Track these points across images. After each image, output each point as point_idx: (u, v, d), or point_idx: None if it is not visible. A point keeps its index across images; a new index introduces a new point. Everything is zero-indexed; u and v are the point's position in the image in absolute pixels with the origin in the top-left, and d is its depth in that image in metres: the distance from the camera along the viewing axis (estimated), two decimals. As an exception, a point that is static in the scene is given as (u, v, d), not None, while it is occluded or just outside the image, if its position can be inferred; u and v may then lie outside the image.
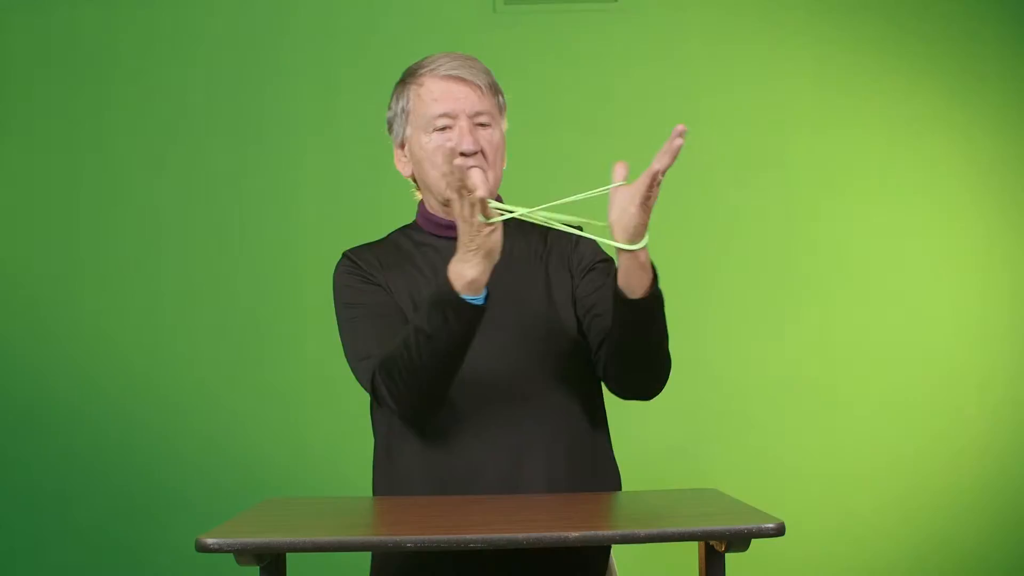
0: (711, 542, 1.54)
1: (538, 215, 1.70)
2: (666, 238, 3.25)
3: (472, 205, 1.62)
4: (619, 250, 1.65)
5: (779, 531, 1.43)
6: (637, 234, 1.63)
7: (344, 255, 1.96)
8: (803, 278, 3.28)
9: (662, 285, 1.70)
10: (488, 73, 1.92)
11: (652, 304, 1.70)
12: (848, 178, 3.30)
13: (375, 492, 1.93)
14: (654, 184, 1.60)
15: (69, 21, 3.30)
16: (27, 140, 3.30)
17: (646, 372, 1.81)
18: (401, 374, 1.75)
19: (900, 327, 3.27)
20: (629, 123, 3.31)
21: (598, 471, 1.90)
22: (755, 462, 3.22)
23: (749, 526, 1.43)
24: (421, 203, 1.98)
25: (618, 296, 1.69)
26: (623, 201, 1.63)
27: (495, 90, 1.92)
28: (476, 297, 1.69)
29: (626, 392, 1.86)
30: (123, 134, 3.30)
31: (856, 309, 3.27)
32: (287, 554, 1.53)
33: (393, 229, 2.04)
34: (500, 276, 1.83)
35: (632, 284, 1.67)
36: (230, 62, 3.32)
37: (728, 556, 1.55)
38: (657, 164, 1.60)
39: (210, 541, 1.39)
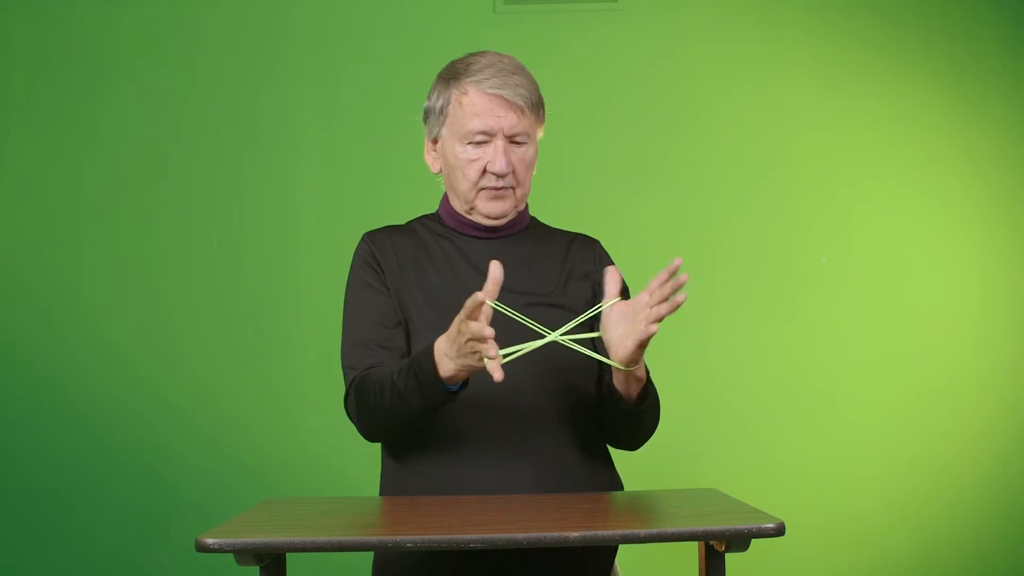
0: (711, 542, 1.54)
1: (559, 340, 1.71)
2: (666, 238, 3.27)
3: (479, 358, 1.61)
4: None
5: (779, 531, 1.43)
6: (635, 362, 1.71)
7: (364, 238, 1.98)
8: (803, 278, 3.28)
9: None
10: (532, 88, 1.91)
11: (646, 407, 1.79)
12: (848, 178, 3.30)
13: (382, 493, 1.93)
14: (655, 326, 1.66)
15: (69, 21, 3.30)
16: (27, 140, 3.30)
17: (632, 441, 1.93)
18: (369, 409, 1.81)
19: (900, 327, 3.27)
20: (629, 123, 3.31)
21: (599, 477, 1.90)
22: (755, 462, 3.22)
23: (749, 526, 1.43)
24: (445, 196, 2.00)
25: (613, 396, 1.79)
26: (622, 330, 1.69)
27: (537, 106, 1.92)
28: (451, 385, 1.70)
29: (611, 444, 1.96)
30: (123, 134, 3.30)
31: (856, 309, 3.27)
32: (287, 554, 1.53)
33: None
34: (519, 277, 1.90)
35: (628, 389, 1.76)
36: (230, 62, 3.32)
37: (728, 556, 1.55)
38: (658, 313, 1.66)
39: (210, 541, 1.39)
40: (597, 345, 1.77)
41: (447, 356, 1.65)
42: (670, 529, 1.44)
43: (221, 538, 1.39)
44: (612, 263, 1.98)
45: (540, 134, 1.97)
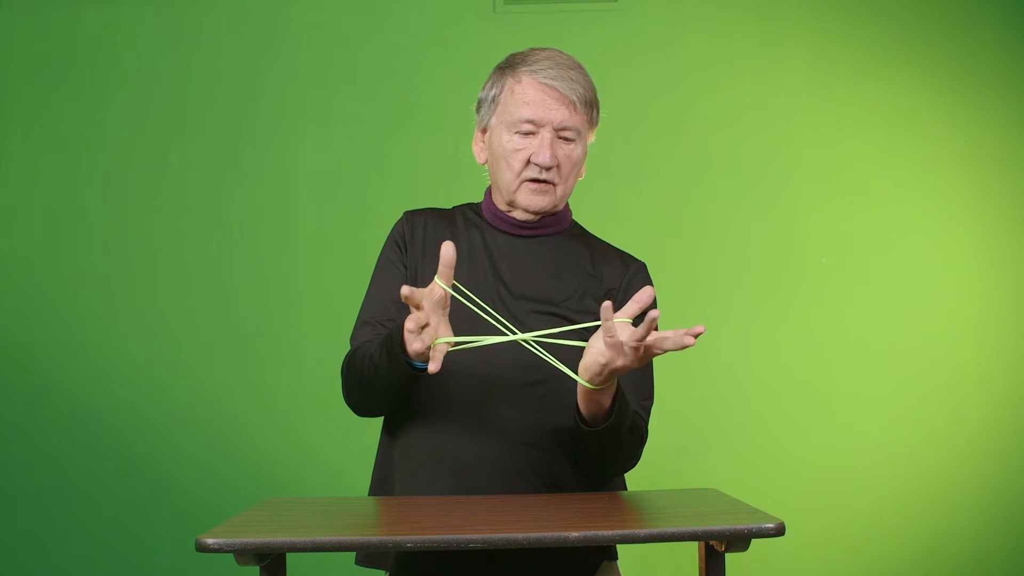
0: (711, 542, 1.54)
1: (521, 341, 1.68)
2: (665, 237, 3.27)
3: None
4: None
5: (779, 531, 1.43)
6: (599, 379, 1.64)
7: (403, 216, 1.97)
8: (802, 278, 3.28)
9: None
10: (588, 86, 1.89)
11: (602, 434, 1.72)
12: (848, 177, 3.31)
13: (373, 476, 1.93)
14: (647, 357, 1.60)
15: (69, 21, 3.30)
16: (27, 139, 3.30)
17: (588, 463, 1.85)
18: (353, 378, 1.83)
19: (900, 327, 3.27)
20: (629, 123, 3.31)
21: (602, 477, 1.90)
22: (755, 462, 3.22)
23: (749, 526, 1.43)
24: (489, 188, 1.98)
25: (578, 419, 1.73)
26: (611, 350, 1.60)
27: (590, 106, 1.89)
28: (419, 362, 1.69)
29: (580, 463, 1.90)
30: (123, 134, 3.30)
31: (856, 309, 3.27)
32: (287, 554, 1.53)
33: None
34: (533, 282, 1.89)
35: (588, 407, 1.71)
36: (230, 61, 3.32)
37: (728, 556, 1.55)
38: (659, 347, 1.59)
39: (210, 541, 1.39)
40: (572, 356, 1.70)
41: (408, 333, 1.65)
42: (670, 529, 1.44)
43: (221, 538, 1.39)
44: (640, 282, 1.93)
45: (591, 138, 1.94)
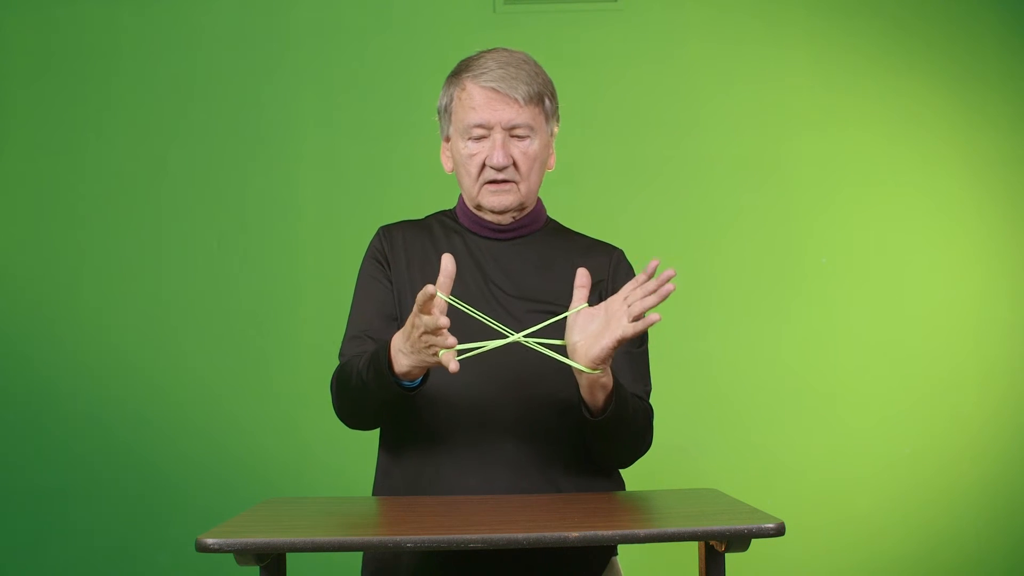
0: (711, 542, 1.54)
1: (522, 340, 1.69)
2: (665, 238, 3.27)
3: (434, 353, 1.60)
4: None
5: (779, 531, 1.43)
6: (603, 363, 1.66)
7: (378, 232, 1.99)
8: (802, 278, 3.28)
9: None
10: (535, 81, 1.89)
11: (613, 418, 1.73)
12: (847, 178, 3.31)
13: (375, 490, 1.93)
14: (639, 329, 1.62)
15: (69, 21, 3.30)
16: (28, 140, 3.30)
17: (610, 457, 1.88)
18: (344, 393, 1.83)
19: (900, 327, 3.27)
20: (629, 123, 3.31)
21: (602, 475, 1.90)
22: (755, 462, 3.22)
23: (749, 526, 1.43)
24: (462, 195, 2.00)
25: (582, 408, 1.74)
26: (593, 329, 1.65)
27: (538, 99, 1.90)
28: (408, 381, 1.70)
29: (596, 462, 1.90)
30: (124, 134, 3.30)
31: (855, 309, 3.27)
32: (287, 554, 1.53)
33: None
34: (525, 282, 1.90)
35: (593, 396, 1.72)
36: (231, 62, 3.32)
37: (728, 556, 1.55)
38: (643, 306, 1.61)
39: (210, 541, 1.39)
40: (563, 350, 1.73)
41: (402, 352, 1.65)
42: (670, 529, 1.44)
43: (221, 538, 1.39)
44: (631, 273, 1.96)
45: (554, 128, 1.95)
